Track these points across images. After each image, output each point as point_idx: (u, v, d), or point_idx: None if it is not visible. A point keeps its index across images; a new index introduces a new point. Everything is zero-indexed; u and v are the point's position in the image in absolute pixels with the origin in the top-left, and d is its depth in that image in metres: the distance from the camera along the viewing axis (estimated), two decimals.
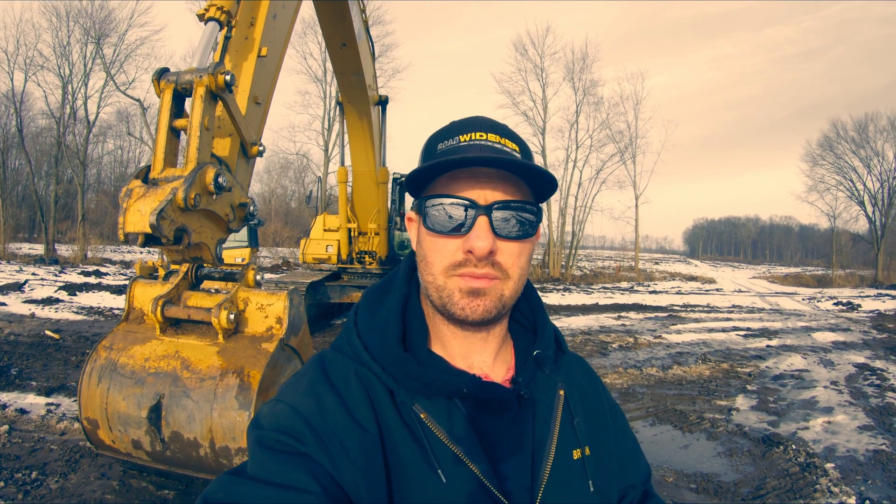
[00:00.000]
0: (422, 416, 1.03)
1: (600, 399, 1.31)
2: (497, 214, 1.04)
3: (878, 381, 10.08)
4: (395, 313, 1.13)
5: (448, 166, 1.04)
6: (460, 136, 1.08)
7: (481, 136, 1.08)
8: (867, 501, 5.25)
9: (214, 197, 4.03)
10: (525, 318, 1.27)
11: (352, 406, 1.02)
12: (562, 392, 1.19)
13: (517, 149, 1.10)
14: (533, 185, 1.10)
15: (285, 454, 0.94)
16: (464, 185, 1.05)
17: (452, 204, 1.05)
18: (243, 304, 4.25)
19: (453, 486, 0.98)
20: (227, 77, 4.03)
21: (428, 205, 1.07)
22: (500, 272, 1.05)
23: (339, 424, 0.98)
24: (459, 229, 1.04)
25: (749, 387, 9.50)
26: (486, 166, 1.04)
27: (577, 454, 1.15)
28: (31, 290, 17.30)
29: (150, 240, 3.73)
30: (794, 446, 6.51)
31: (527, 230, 1.07)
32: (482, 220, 1.03)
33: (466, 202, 1.04)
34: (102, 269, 26.93)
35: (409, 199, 15.89)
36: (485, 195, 1.04)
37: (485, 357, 1.15)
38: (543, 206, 1.15)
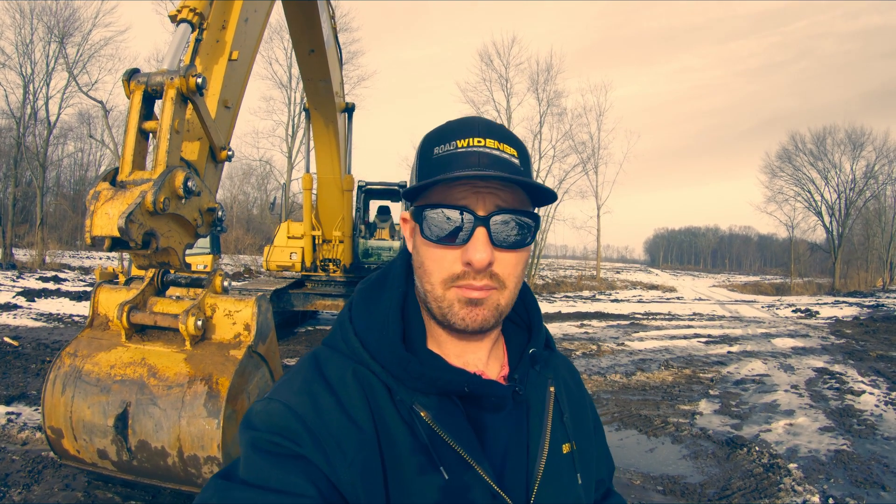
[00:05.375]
0: (422, 414, 1.02)
1: (583, 395, 1.36)
2: (495, 225, 1.03)
3: (838, 385, 10.34)
4: (395, 311, 1.12)
5: (446, 181, 1.02)
6: (457, 141, 1.06)
7: (479, 141, 1.06)
8: (830, 499, 5.38)
9: (183, 201, 3.97)
10: (519, 318, 1.28)
11: (348, 405, 1.01)
12: (552, 389, 1.21)
13: (515, 153, 1.08)
14: (530, 192, 1.09)
15: (281, 457, 0.93)
16: (461, 192, 1.04)
17: (449, 213, 1.03)
18: (210, 310, 4.19)
19: (454, 484, 0.99)
20: (199, 80, 3.98)
21: (425, 214, 1.06)
22: (497, 282, 1.05)
23: (336, 424, 0.98)
24: (457, 239, 1.03)
25: (711, 391, 9.67)
26: (486, 180, 1.03)
27: (566, 448, 1.18)
28: None
29: (117, 243, 3.66)
30: (757, 448, 6.65)
31: (524, 239, 1.07)
32: (480, 232, 1.02)
33: (465, 212, 1.03)
34: (61, 275, 26.29)
35: (373, 206, 15.84)
36: (483, 204, 1.03)
37: (479, 355, 1.16)
38: (540, 212, 1.15)
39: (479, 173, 1.00)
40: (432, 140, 1.11)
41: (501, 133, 1.09)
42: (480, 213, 1.03)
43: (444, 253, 1.05)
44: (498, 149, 1.06)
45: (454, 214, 1.03)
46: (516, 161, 1.07)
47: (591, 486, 1.25)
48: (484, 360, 1.17)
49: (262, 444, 0.95)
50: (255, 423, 0.99)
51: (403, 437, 1.01)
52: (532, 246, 1.11)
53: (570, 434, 1.20)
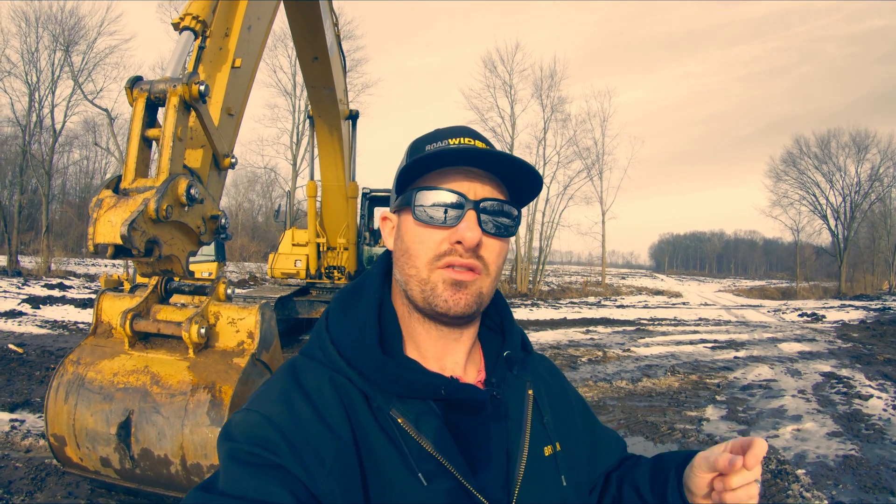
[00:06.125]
0: (399, 420, 1.03)
1: (566, 394, 1.36)
2: (485, 211, 1.08)
3: (845, 389, 10.29)
4: (372, 316, 1.13)
5: (453, 156, 1.08)
6: (449, 140, 1.13)
7: (470, 141, 1.13)
8: None
9: (186, 209, 3.96)
10: (492, 322, 1.31)
11: (325, 413, 1.01)
12: (530, 391, 1.22)
13: None
14: (513, 191, 1.16)
15: (259, 467, 0.93)
16: (454, 179, 1.09)
17: (444, 194, 1.08)
18: (214, 318, 4.18)
19: (433, 489, 0.99)
20: (202, 87, 3.97)
21: (419, 196, 1.10)
22: (482, 264, 1.08)
23: (314, 433, 0.98)
24: (445, 220, 1.07)
25: (718, 397, 9.62)
26: (485, 161, 1.10)
27: (548, 451, 1.18)
28: None
29: (120, 251, 3.64)
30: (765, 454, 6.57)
31: (509, 229, 1.12)
32: (472, 214, 1.07)
33: (458, 195, 1.07)
34: (66, 282, 26.36)
35: (377, 213, 15.82)
36: (474, 191, 1.09)
37: (457, 358, 1.17)
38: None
39: (481, 148, 1.08)
40: (424, 140, 1.18)
41: (487, 141, 1.18)
42: (472, 197, 1.08)
43: (433, 233, 1.09)
44: (485, 150, 1.11)
45: (448, 197, 1.08)
46: None
47: (582, 486, 1.26)
48: (462, 363, 1.18)
49: (241, 454, 0.95)
50: (234, 434, 0.99)
51: (381, 444, 1.02)
52: (511, 240, 1.19)
53: (551, 436, 1.21)
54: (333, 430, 0.99)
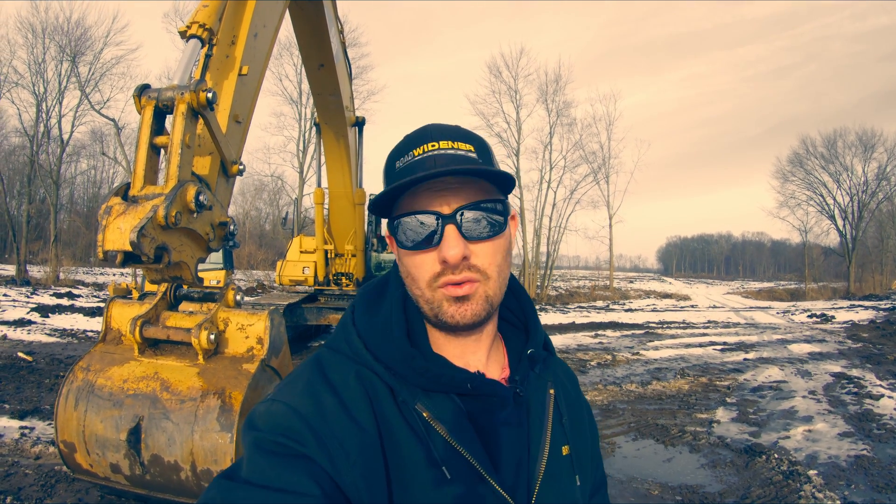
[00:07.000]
0: (424, 414, 1.04)
1: (580, 401, 1.37)
2: (464, 221, 1.07)
3: (856, 389, 10.24)
4: (398, 311, 1.14)
5: (402, 188, 1.06)
6: (414, 151, 1.10)
7: (433, 146, 1.09)
8: None
9: (195, 215, 3.98)
10: (515, 318, 1.30)
11: (351, 406, 1.02)
12: (552, 391, 1.23)
13: (471, 148, 1.11)
14: (495, 180, 1.12)
15: (284, 457, 0.94)
16: (425, 198, 1.08)
17: (417, 219, 1.07)
18: (223, 324, 4.19)
19: (457, 483, 1.00)
20: (209, 94, 4.00)
21: (397, 225, 1.11)
22: (478, 274, 1.07)
23: (339, 425, 0.98)
24: (430, 242, 1.07)
25: (728, 399, 9.57)
26: (434, 179, 1.06)
27: (565, 450, 1.20)
28: (3, 311, 16.96)
29: (129, 258, 3.66)
30: (776, 455, 6.57)
31: (496, 228, 1.10)
32: (450, 229, 1.05)
33: (430, 215, 1.06)
34: (75, 291, 26.40)
35: (385, 220, 16.12)
36: (448, 203, 1.07)
37: (479, 357, 1.18)
38: (513, 200, 1.16)
39: (428, 173, 1.03)
40: (393, 155, 1.15)
41: (455, 132, 1.13)
42: (446, 211, 1.07)
43: (424, 257, 1.08)
44: (452, 147, 1.09)
45: (422, 219, 1.07)
46: (473, 155, 1.10)
47: (588, 488, 1.27)
48: (484, 361, 1.18)
49: (266, 444, 0.96)
50: (258, 423, 0.99)
51: (406, 437, 1.03)
52: (509, 233, 1.15)
53: (568, 436, 1.22)
54: (358, 422, 1.00)
